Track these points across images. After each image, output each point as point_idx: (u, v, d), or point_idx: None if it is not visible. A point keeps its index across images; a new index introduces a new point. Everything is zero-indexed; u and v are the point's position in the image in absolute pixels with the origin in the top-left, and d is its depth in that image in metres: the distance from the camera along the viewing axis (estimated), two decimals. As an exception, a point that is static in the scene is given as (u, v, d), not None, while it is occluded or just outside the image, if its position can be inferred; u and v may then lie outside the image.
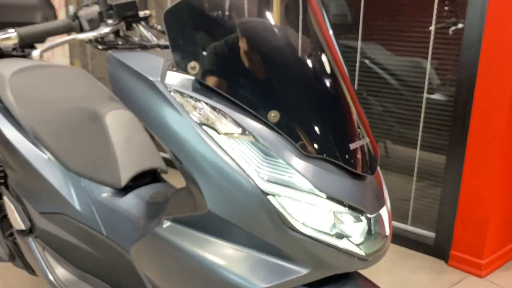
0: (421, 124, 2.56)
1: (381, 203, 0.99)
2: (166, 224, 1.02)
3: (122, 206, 1.38)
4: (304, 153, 0.90)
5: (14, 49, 1.65)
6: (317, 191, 0.90)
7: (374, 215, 0.97)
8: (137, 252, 1.13)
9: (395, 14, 2.66)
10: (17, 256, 1.80)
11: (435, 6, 2.45)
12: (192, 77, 0.93)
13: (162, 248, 1.03)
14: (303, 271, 0.92)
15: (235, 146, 0.91)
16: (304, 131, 0.91)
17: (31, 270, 1.76)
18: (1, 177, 1.81)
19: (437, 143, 2.52)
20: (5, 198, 1.71)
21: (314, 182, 0.90)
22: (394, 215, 2.67)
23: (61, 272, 1.52)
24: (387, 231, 1.01)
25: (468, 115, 2.24)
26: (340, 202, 0.91)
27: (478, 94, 2.20)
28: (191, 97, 0.92)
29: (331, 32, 1.02)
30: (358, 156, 0.94)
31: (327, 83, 0.96)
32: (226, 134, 0.91)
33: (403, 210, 2.69)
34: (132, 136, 1.46)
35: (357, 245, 0.94)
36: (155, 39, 1.30)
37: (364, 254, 0.95)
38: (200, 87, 0.93)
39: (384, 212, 1.01)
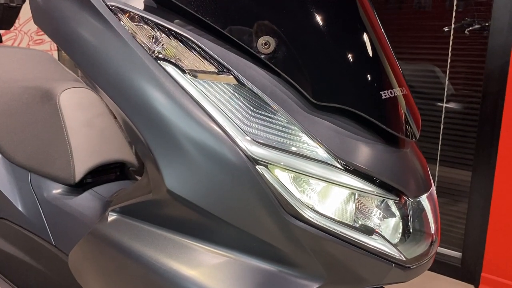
0: (440, 137, 2.32)
1: (427, 185, 0.67)
2: (111, 217, 0.71)
3: (75, 207, 1.07)
4: (313, 101, 0.59)
5: None
6: (332, 159, 0.59)
7: (416, 200, 0.65)
8: (75, 260, 0.81)
9: (404, 18, 2.46)
10: None
11: (454, 4, 2.27)
12: None
13: (105, 251, 0.71)
14: (314, 284, 0.59)
15: (208, 91, 0.60)
16: (312, 69, 0.60)
17: None
18: None
19: (459, 156, 2.31)
20: None
21: (329, 145, 0.59)
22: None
23: None
24: (433, 228, 0.69)
25: (497, 126, 2.01)
26: (368, 178, 0.60)
27: (510, 100, 1.95)
28: (142, 19, 0.61)
29: None
30: (393, 110, 0.63)
31: (348, 9, 0.66)
32: (194, 72, 0.60)
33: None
34: (92, 119, 1.16)
35: (395, 245, 0.62)
36: None
37: (404, 260, 0.62)
38: (157, 6, 0.63)
39: (427, 200, 0.69)
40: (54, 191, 1.12)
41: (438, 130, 2.34)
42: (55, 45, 3.74)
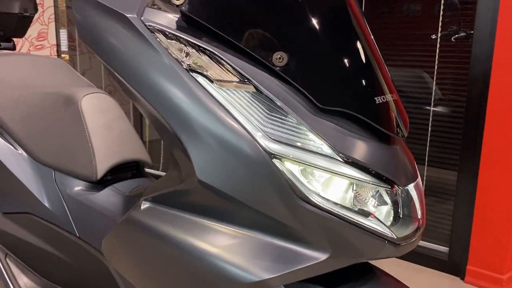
0: (428, 138, 2.43)
1: (414, 176, 0.80)
2: (144, 205, 0.82)
3: (98, 202, 1.18)
4: (319, 105, 0.71)
5: None
6: (335, 154, 0.71)
7: (405, 188, 0.77)
8: (109, 245, 0.92)
9: (393, 27, 2.57)
10: None
11: (441, 15, 2.38)
12: (177, 16, 0.75)
13: (139, 236, 0.82)
14: (321, 256, 0.71)
15: (231, 98, 0.72)
16: (318, 79, 0.72)
17: None
18: None
19: (445, 156, 2.40)
20: None
21: (332, 142, 0.71)
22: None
23: (26, 283, 1.30)
24: (419, 214, 0.82)
25: (481, 129, 2.09)
26: (365, 169, 0.72)
27: (492, 104, 2.04)
28: (175, 37, 0.73)
29: None
30: (386, 113, 0.76)
31: (346, 25, 0.78)
32: (220, 82, 0.72)
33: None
34: (111, 122, 1.27)
35: (387, 226, 0.74)
36: None
37: (395, 237, 0.74)
38: (187, 26, 0.74)
39: (414, 190, 0.81)
40: (77, 188, 1.22)
41: (426, 132, 2.46)
42: (55, 51, 3.84)
